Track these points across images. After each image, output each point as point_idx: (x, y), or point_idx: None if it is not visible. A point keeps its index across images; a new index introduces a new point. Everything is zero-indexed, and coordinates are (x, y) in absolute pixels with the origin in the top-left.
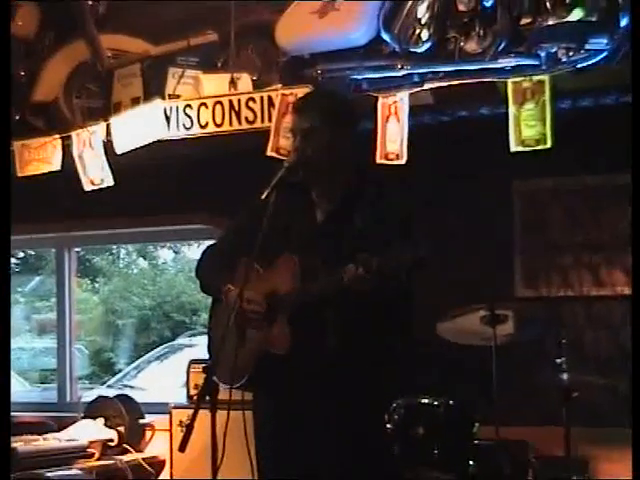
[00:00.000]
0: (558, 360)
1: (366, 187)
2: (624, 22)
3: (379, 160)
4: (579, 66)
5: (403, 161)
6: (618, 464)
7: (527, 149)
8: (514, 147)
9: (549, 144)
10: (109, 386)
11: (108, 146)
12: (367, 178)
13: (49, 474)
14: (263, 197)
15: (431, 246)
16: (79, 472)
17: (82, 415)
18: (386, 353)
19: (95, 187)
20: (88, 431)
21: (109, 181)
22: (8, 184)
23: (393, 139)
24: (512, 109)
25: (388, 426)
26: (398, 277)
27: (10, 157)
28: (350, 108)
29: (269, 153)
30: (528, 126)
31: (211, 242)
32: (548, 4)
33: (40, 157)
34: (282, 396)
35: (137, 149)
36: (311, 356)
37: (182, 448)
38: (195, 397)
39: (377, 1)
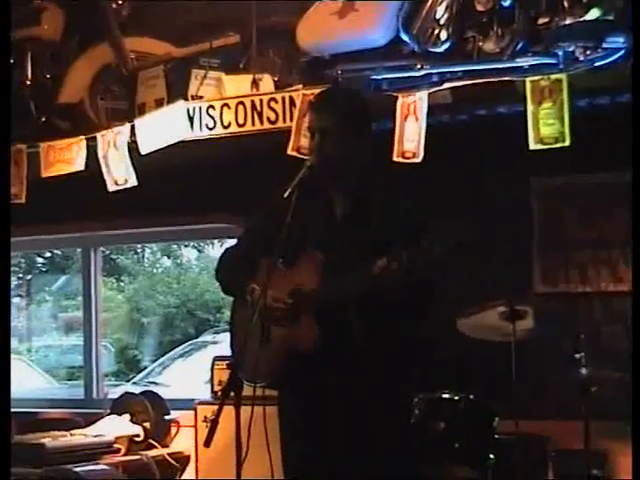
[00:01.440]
0: (577, 355)
1: (384, 184)
2: None
3: (395, 158)
4: (596, 65)
5: (419, 159)
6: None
7: (546, 147)
8: (533, 145)
9: (567, 142)
10: (134, 383)
11: (132, 147)
12: (385, 176)
13: (77, 469)
14: (285, 195)
15: (446, 241)
16: (106, 467)
17: (108, 411)
18: (410, 349)
19: (119, 187)
20: (114, 427)
21: (133, 181)
22: (8, 185)
23: (410, 138)
24: (530, 108)
25: (409, 421)
26: (429, 270)
27: (10, 157)
28: (367, 107)
29: (290, 152)
30: (546, 124)
31: (233, 241)
32: (565, 3)
33: (65, 158)
34: (307, 393)
35: (161, 149)
36: (336, 352)
37: (207, 443)
38: (219, 393)
39: (396, 2)
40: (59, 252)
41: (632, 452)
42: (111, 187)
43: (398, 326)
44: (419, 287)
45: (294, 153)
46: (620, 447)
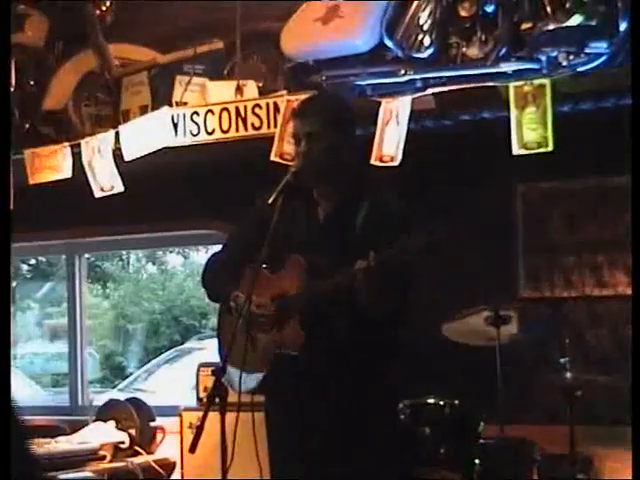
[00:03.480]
0: (561, 359)
1: (367, 186)
2: (623, 26)
3: (373, 162)
4: (579, 70)
5: (397, 163)
6: (622, 462)
7: (529, 152)
8: (516, 150)
9: (550, 147)
10: (120, 389)
11: (117, 153)
12: (368, 179)
13: (62, 476)
14: (270, 201)
15: (430, 247)
16: (91, 474)
17: (94, 418)
18: (395, 353)
19: (105, 194)
20: (100, 434)
21: (119, 187)
22: (8, 190)
23: (390, 142)
24: (514, 113)
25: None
26: (406, 268)
27: (10, 163)
28: (351, 112)
29: (273, 158)
30: (530, 129)
31: (219, 247)
32: (548, 9)
33: (50, 165)
34: (293, 398)
35: (145, 156)
36: (321, 355)
37: (192, 449)
38: (205, 399)
39: (380, 8)
40: (44, 259)
41: (632, 452)
42: (97, 193)
43: (381, 329)
44: (399, 289)
45: (277, 159)
46: (605, 451)
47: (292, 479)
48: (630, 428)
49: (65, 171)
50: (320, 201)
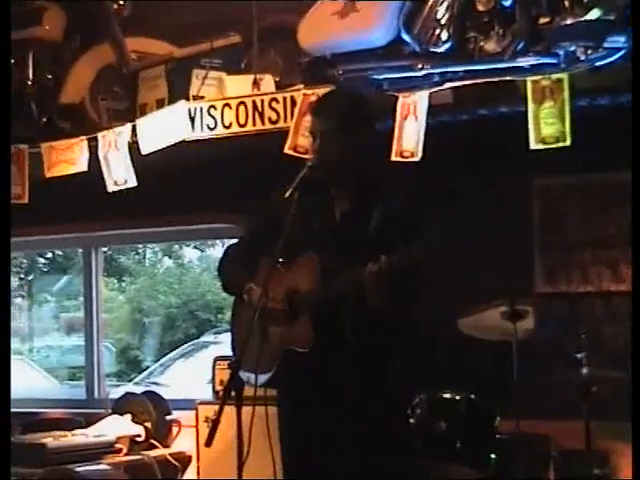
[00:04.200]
0: (578, 355)
1: (384, 184)
2: None
3: (394, 158)
4: (597, 64)
5: (418, 158)
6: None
7: (547, 147)
8: (534, 145)
9: (568, 142)
10: (136, 383)
11: (134, 147)
12: (385, 177)
13: (78, 469)
14: (286, 196)
15: (446, 241)
16: (107, 467)
17: (110, 411)
18: (408, 348)
19: (118, 188)
20: (116, 427)
21: (132, 182)
22: (8, 186)
23: (409, 137)
24: (531, 107)
25: (410, 421)
26: (417, 273)
27: (10, 159)
28: (368, 109)
29: (286, 150)
30: (547, 124)
31: (234, 241)
32: (566, 3)
33: (67, 158)
34: (305, 393)
35: (162, 149)
36: (333, 352)
37: (208, 443)
38: (221, 393)
39: (397, 2)
40: (60, 252)
41: (632, 452)
42: (111, 187)
43: (395, 326)
44: (411, 292)
45: (291, 152)
46: (622, 447)
47: (303, 474)
48: None
49: (81, 165)
50: (337, 199)
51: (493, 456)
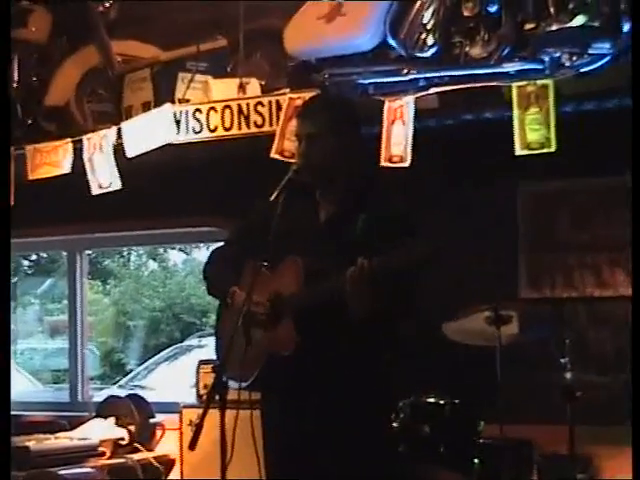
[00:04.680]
0: (562, 360)
1: (369, 189)
2: (626, 27)
3: (383, 163)
4: (582, 70)
5: (407, 164)
6: (621, 462)
7: (532, 152)
8: (519, 151)
9: (553, 148)
10: (120, 386)
11: (119, 150)
12: (371, 181)
13: (61, 472)
14: (271, 199)
15: (434, 245)
16: (90, 470)
17: (93, 414)
18: (391, 353)
19: (103, 191)
20: (99, 430)
21: (117, 185)
22: (8, 186)
23: (398, 142)
24: (517, 113)
25: (394, 425)
26: (402, 276)
27: (10, 160)
28: (354, 113)
29: (273, 155)
30: (532, 130)
31: (219, 244)
32: (552, 9)
33: (51, 161)
34: (288, 396)
35: (148, 153)
36: (316, 357)
37: (192, 446)
38: (204, 397)
39: (383, 6)
40: (45, 255)
41: (632, 452)
42: (95, 190)
43: (379, 330)
44: (399, 291)
45: (277, 156)
46: (605, 451)
47: (286, 477)
48: (629, 427)
49: (65, 167)
50: (322, 203)
51: (477, 460)
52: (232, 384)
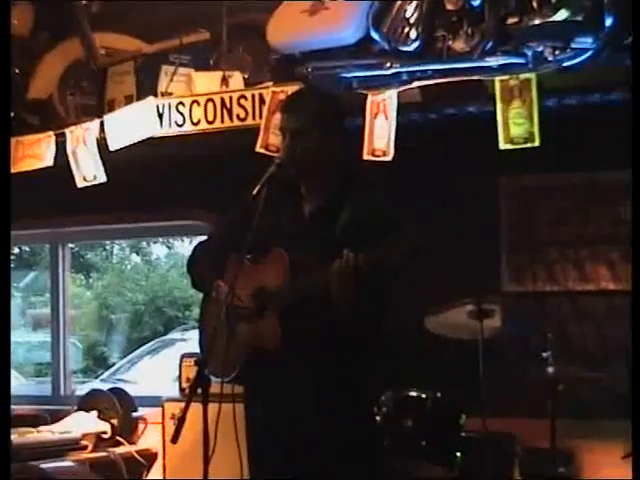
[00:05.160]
0: (544, 354)
1: (353, 183)
2: (609, 22)
3: (366, 156)
4: (565, 65)
5: (389, 158)
6: (603, 456)
7: (515, 147)
8: (503, 145)
9: (537, 142)
10: (102, 380)
11: (102, 143)
12: (355, 174)
13: (43, 466)
14: (254, 193)
15: (418, 239)
16: (73, 464)
17: (76, 408)
18: (375, 346)
19: (88, 184)
20: (82, 424)
21: (102, 178)
22: (8, 180)
23: (380, 136)
24: (500, 107)
25: (377, 419)
26: (386, 271)
27: (9, 155)
28: (338, 108)
29: (258, 149)
30: (516, 124)
31: (203, 238)
32: (534, 4)
33: (34, 153)
34: (272, 390)
35: (131, 146)
36: (300, 351)
37: (174, 440)
38: (187, 390)
39: (366, 0)
40: (27, 248)
41: (632, 452)
42: (80, 183)
43: (362, 324)
44: (381, 286)
45: (262, 150)
46: (587, 445)
47: (269, 471)
48: (611, 422)
49: (48, 160)
50: (306, 197)
51: (459, 454)
52: (216, 378)
